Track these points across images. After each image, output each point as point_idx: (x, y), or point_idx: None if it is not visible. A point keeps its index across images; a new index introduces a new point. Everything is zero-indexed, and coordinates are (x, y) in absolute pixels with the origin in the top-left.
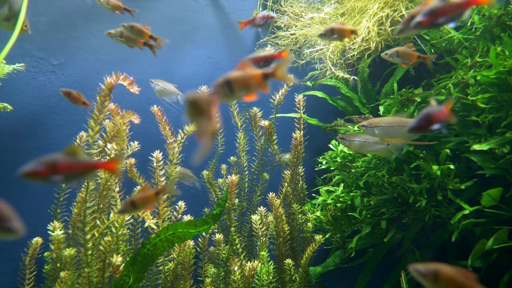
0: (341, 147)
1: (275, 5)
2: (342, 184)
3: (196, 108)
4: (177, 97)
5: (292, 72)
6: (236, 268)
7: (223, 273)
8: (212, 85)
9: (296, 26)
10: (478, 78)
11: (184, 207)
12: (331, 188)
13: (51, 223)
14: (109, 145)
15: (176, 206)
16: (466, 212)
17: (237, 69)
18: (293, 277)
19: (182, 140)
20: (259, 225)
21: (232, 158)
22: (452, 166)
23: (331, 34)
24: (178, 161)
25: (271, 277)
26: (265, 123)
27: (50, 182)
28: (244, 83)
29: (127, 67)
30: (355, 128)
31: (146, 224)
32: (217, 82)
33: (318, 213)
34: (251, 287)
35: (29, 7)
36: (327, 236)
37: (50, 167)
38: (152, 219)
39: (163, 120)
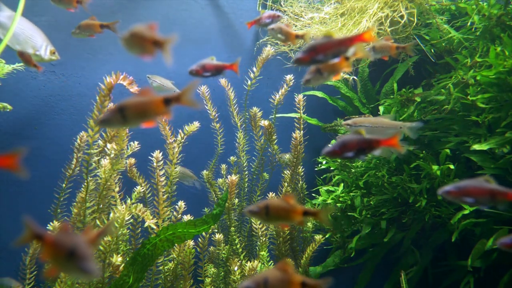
0: None
1: (275, 5)
2: (342, 184)
3: (135, 41)
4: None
5: (292, 72)
6: (236, 268)
7: (223, 273)
8: (106, 111)
9: (296, 26)
10: (478, 78)
11: (184, 207)
12: (331, 188)
13: (51, 223)
14: (109, 145)
15: (176, 206)
16: (466, 212)
17: (138, 95)
18: None
19: (182, 140)
20: (259, 225)
21: (232, 158)
22: (452, 166)
23: (279, 31)
24: (178, 161)
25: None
26: (265, 123)
27: None
28: (140, 110)
29: (127, 66)
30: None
31: (146, 224)
32: (110, 108)
33: None
34: None
35: (30, 7)
36: (327, 236)
37: None
38: (152, 219)
39: (163, 120)
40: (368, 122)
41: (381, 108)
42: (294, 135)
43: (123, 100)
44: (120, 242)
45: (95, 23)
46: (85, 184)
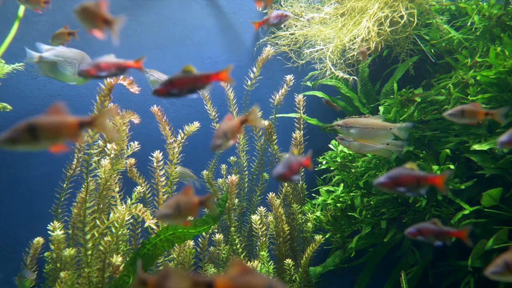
0: (341, 147)
1: (275, 5)
2: (342, 184)
3: (86, 16)
4: None
5: (292, 72)
6: None
7: (223, 273)
8: (11, 128)
9: (296, 26)
10: (478, 78)
11: None
12: (331, 188)
13: (51, 223)
14: (108, 145)
15: None
16: (466, 212)
17: (48, 113)
18: (293, 277)
19: (182, 140)
20: (259, 225)
21: (232, 158)
22: (452, 166)
23: None
24: (178, 161)
25: (271, 277)
26: (265, 123)
27: None
28: (53, 131)
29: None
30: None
31: (146, 224)
32: (17, 125)
33: (318, 213)
34: None
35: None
36: (327, 236)
37: None
38: (152, 219)
39: (163, 120)
40: (359, 123)
41: (381, 108)
42: (294, 135)
43: (33, 117)
44: (120, 242)
45: (64, 31)
46: (85, 184)
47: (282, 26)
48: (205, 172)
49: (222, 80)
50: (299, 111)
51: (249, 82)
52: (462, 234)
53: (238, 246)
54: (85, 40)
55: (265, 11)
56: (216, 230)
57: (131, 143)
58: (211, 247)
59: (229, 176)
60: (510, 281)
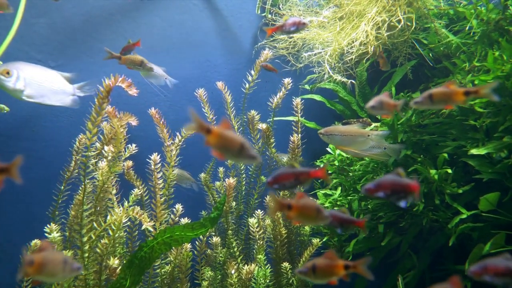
0: (338, 150)
1: (274, 8)
2: (340, 188)
3: None
4: (166, 81)
5: (290, 75)
6: (233, 271)
7: (220, 276)
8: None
9: None
10: (476, 82)
11: (182, 210)
12: (328, 192)
13: (48, 225)
14: (106, 148)
15: (174, 209)
16: (464, 216)
17: None
18: (290, 281)
19: (180, 143)
20: (256, 228)
21: (229, 161)
22: (449, 171)
23: None
24: (176, 164)
25: (268, 280)
26: (262, 126)
27: None
28: None
29: (126, 68)
30: None
31: (143, 227)
32: None
33: None
34: None
35: (28, 9)
36: (324, 240)
37: None
38: (150, 221)
39: (161, 122)
40: (338, 131)
41: None
42: (292, 138)
43: None
44: (117, 245)
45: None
46: (83, 186)
47: None
48: (202, 175)
49: None
50: (297, 114)
51: (247, 85)
52: (360, 224)
53: (235, 249)
54: (84, 42)
55: (263, 14)
56: (214, 233)
57: (129, 145)
58: (209, 250)
59: (226, 179)
60: (312, 281)
